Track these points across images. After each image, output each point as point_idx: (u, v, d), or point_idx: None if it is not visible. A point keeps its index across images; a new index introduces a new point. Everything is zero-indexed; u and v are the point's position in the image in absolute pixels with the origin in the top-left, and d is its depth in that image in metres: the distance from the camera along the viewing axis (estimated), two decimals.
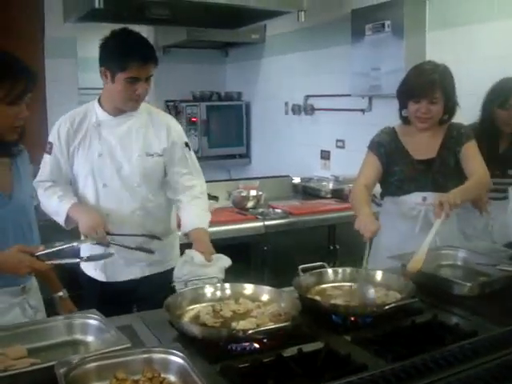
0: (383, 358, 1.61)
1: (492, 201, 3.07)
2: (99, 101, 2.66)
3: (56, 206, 2.62)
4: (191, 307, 1.99)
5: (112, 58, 2.49)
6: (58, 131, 2.64)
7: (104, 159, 2.61)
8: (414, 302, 1.97)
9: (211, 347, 1.68)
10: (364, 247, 2.30)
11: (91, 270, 2.73)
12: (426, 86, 2.71)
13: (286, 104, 5.88)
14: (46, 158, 2.67)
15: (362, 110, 4.75)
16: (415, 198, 2.78)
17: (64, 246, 2.07)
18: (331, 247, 3.92)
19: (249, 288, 2.11)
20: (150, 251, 2.57)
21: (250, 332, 1.67)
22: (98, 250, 2.48)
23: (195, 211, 2.67)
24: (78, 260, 2.19)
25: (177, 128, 2.76)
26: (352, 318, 1.92)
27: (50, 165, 2.66)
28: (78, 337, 1.79)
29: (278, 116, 6.03)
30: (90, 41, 6.09)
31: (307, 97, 5.58)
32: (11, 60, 1.99)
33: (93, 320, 1.81)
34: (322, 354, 1.61)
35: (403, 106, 2.84)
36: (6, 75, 1.92)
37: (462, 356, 1.59)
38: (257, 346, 1.70)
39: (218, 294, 2.08)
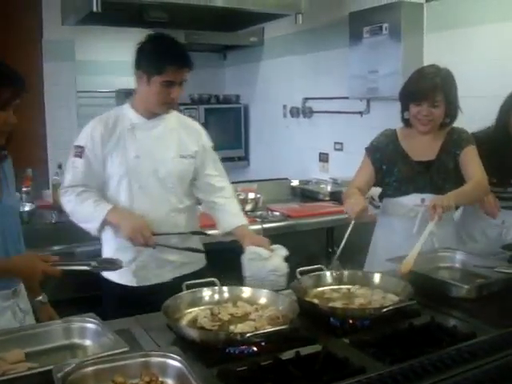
0: (381, 360, 1.60)
1: (505, 210, 3.06)
2: (131, 104, 2.69)
3: (92, 210, 2.56)
4: (189, 310, 1.98)
5: (149, 62, 2.54)
6: (90, 134, 2.62)
7: (141, 161, 2.62)
8: (412, 305, 1.97)
9: (209, 351, 1.68)
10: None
11: (115, 275, 2.63)
12: (428, 89, 2.72)
13: (285, 107, 5.89)
14: (77, 162, 2.62)
15: (360, 113, 4.75)
16: (414, 199, 2.79)
17: (80, 268, 2.07)
18: (329, 250, 3.92)
19: (247, 291, 2.11)
20: (201, 251, 2.64)
21: (248, 335, 1.67)
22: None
23: (234, 211, 2.79)
24: (88, 268, 2.16)
25: (204, 132, 2.85)
26: (350, 321, 1.92)
27: (83, 169, 2.61)
28: (76, 341, 1.79)
29: (277, 118, 6.03)
30: (88, 44, 6.12)
31: (305, 99, 5.58)
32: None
33: (91, 324, 1.81)
34: (320, 356, 1.61)
35: (405, 108, 2.85)
36: None
37: (460, 358, 1.59)
38: (255, 349, 1.70)
39: (216, 297, 2.08)
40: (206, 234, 2.72)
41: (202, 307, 2.01)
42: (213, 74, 6.87)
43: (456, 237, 3.04)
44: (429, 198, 2.72)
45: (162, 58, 2.51)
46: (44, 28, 5.18)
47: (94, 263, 2.06)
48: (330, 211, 4.11)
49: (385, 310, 1.89)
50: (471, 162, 2.78)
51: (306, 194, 4.79)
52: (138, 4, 3.39)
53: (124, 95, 8.67)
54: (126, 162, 2.61)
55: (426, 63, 4.19)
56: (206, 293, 2.08)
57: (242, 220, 2.77)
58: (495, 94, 3.43)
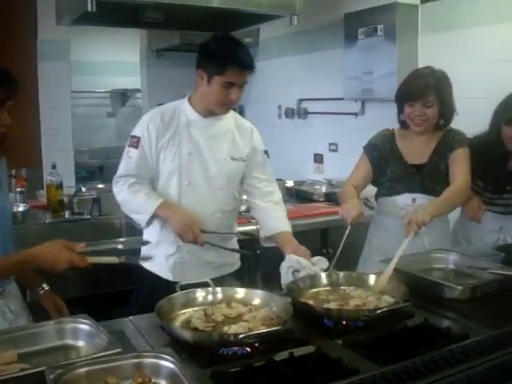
0: (374, 361, 1.60)
1: (502, 215, 3.09)
2: (189, 100, 2.69)
3: (143, 203, 2.57)
4: (183, 311, 1.98)
5: (211, 61, 2.52)
6: (147, 126, 2.62)
7: (193, 158, 2.63)
8: (407, 306, 1.97)
9: (202, 351, 1.67)
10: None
11: (153, 266, 2.66)
12: (420, 89, 2.76)
13: (280, 107, 5.89)
14: (132, 151, 2.63)
15: (355, 114, 4.76)
16: (405, 198, 2.85)
17: (110, 260, 2.03)
18: (324, 251, 3.91)
19: (241, 292, 2.11)
20: (247, 252, 2.65)
21: (242, 336, 1.66)
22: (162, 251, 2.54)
23: (279, 216, 2.75)
24: (117, 260, 2.10)
25: (258, 134, 2.84)
26: (344, 322, 1.92)
27: (137, 159, 2.63)
28: (69, 342, 1.78)
29: (272, 119, 6.03)
30: (83, 44, 6.13)
31: (300, 100, 5.59)
32: None
33: (84, 325, 1.80)
34: (314, 357, 1.61)
35: (401, 110, 2.88)
36: None
37: (453, 359, 1.59)
38: (248, 350, 1.70)
39: (210, 298, 2.08)
40: (248, 254, 2.72)
41: (196, 308, 2.01)
42: None
43: (451, 238, 3.06)
44: (420, 197, 2.80)
45: (224, 59, 2.49)
46: (39, 28, 5.16)
47: (124, 255, 2.03)
48: (325, 212, 4.11)
49: (379, 311, 1.89)
50: (457, 165, 2.81)
51: (300, 195, 4.78)
52: (133, 4, 3.38)
53: (119, 95, 8.73)
54: (179, 158, 2.61)
55: (420, 64, 4.20)
56: (200, 294, 2.08)
57: (286, 226, 2.72)
58: (490, 96, 3.43)
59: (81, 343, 1.78)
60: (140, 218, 2.62)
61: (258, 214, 2.81)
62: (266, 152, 2.83)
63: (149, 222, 2.60)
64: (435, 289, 2.21)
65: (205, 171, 2.64)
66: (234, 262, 2.80)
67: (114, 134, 8.61)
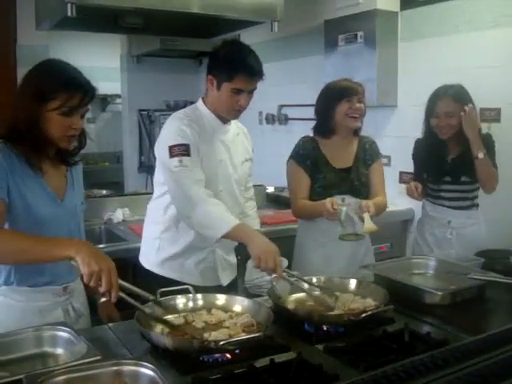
0: (355, 367, 1.61)
1: (451, 209, 3.18)
2: (205, 105, 2.67)
3: (224, 216, 2.39)
4: (163, 318, 1.97)
5: (220, 68, 2.53)
6: (190, 133, 2.54)
7: (224, 164, 2.66)
8: (390, 310, 1.98)
9: (183, 359, 1.67)
10: None
11: (178, 273, 2.63)
12: (353, 86, 2.98)
13: (260, 113, 5.89)
14: (187, 160, 2.48)
15: None
16: (335, 200, 2.87)
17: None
18: None
19: (221, 298, 2.11)
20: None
21: (222, 343, 1.66)
22: None
23: (250, 213, 2.92)
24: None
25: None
26: (324, 328, 1.92)
27: (196, 165, 2.52)
28: (48, 349, 1.77)
29: (252, 125, 5.99)
30: (63, 49, 6.07)
31: (281, 106, 5.60)
32: (71, 73, 2.04)
33: (62, 332, 1.79)
34: (294, 364, 1.61)
35: (327, 117, 2.99)
36: (63, 88, 1.97)
37: (433, 365, 1.59)
38: (229, 356, 1.69)
39: (191, 304, 2.07)
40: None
41: (176, 315, 2.00)
42: (188, 81, 6.85)
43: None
44: (348, 197, 2.94)
45: (232, 66, 2.50)
46: (18, 33, 5.13)
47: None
48: None
49: (364, 315, 1.89)
50: (376, 180, 3.07)
51: (281, 201, 4.79)
52: (113, 9, 3.36)
53: (99, 101, 8.68)
54: (213, 166, 2.61)
55: (400, 71, 4.25)
56: (180, 300, 2.07)
57: (256, 224, 2.86)
58: None
59: (60, 351, 1.76)
60: (213, 233, 2.40)
61: None
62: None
63: (219, 239, 2.41)
64: (415, 294, 2.22)
65: (232, 176, 2.70)
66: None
67: (93, 139, 8.55)
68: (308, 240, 3.07)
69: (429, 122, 3.15)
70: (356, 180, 2.99)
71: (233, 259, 2.62)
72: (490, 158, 3.02)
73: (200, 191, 2.45)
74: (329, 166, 2.99)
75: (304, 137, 3.12)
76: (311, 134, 3.11)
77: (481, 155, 2.97)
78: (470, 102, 3.03)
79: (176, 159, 2.48)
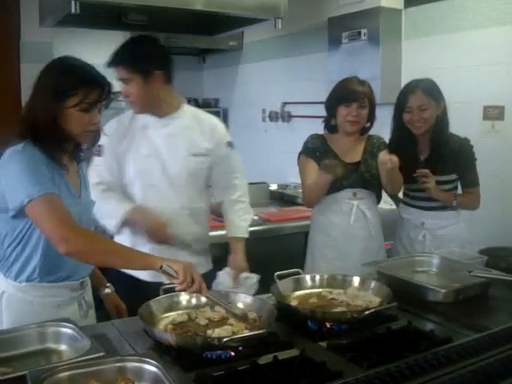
0: (358, 364, 1.61)
1: (424, 211, 3.14)
2: None
3: (114, 207, 2.63)
4: (166, 315, 1.98)
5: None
6: (108, 133, 2.59)
7: (151, 160, 2.67)
8: (393, 307, 1.98)
9: (186, 355, 1.67)
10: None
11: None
12: (356, 91, 2.97)
13: (264, 111, 5.89)
14: (97, 160, 2.68)
15: None
16: (347, 194, 3.00)
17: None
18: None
19: (225, 295, 2.10)
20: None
21: (225, 340, 1.66)
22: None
23: (234, 217, 2.85)
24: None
25: (220, 128, 2.88)
26: (328, 325, 1.92)
27: (104, 167, 2.69)
28: (51, 345, 1.78)
29: (256, 123, 6.03)
30: (67, 46, 6.06)
31: (284, 104, 5.60)
32: (88, 70, 2.07)
33: (66, 328, 1.79)
34: (298, 361, 1.61)
35: (332, 115, 3.05)
36: (82, 84, 2.00)
37: (437, 363, 1.59)
38: (232, 353, 1.69)
39: (194, 301, 2.07)
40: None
41: (180, 312, 2.00)
42: (192, 78, 6.86)
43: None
44: (359, 191, 2.98)
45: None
46: (22, 30, 5.14)
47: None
48: (308, 215, 4.08)
49: (367, 312, 1.90)
50: None
51: (284, 199, 4.79)
52: (116, 6, 3.35)
53: None
54: (138, 161, 2.66)
55: (403, 68, 4.24)
56: (184, 297, 2.07)
57: (239, 230, 2.82)
58: (471, 100, 3.47)
59: (63, 347, 1.77)
60: (111, 223, 2.63)
61: (223, 211, 2.90)
62: (229, 144, 2.87)
63: (119, 228, 2.62)
64: (419, 292, 2.22)
65: (165, 170, 2.67)
66: (205, 262, 2.82)
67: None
68: (321, 236, 3.09)
69: (400, 118, 3.11)
70: (366, 172, 3.01)
71: (182, 257, 2.57)
72: (468, 167, 3.05)
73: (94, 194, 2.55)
74: (338, 159, 2.99)
75: (312, 134, 3.16)
76: (317, 132, 3.15)
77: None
78: (440, 96, 3.04)
79: (92, 158, 2.67)
